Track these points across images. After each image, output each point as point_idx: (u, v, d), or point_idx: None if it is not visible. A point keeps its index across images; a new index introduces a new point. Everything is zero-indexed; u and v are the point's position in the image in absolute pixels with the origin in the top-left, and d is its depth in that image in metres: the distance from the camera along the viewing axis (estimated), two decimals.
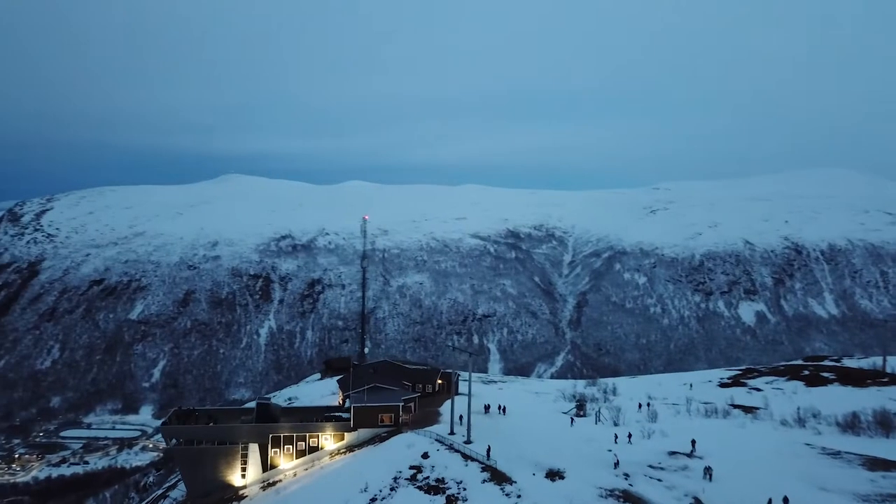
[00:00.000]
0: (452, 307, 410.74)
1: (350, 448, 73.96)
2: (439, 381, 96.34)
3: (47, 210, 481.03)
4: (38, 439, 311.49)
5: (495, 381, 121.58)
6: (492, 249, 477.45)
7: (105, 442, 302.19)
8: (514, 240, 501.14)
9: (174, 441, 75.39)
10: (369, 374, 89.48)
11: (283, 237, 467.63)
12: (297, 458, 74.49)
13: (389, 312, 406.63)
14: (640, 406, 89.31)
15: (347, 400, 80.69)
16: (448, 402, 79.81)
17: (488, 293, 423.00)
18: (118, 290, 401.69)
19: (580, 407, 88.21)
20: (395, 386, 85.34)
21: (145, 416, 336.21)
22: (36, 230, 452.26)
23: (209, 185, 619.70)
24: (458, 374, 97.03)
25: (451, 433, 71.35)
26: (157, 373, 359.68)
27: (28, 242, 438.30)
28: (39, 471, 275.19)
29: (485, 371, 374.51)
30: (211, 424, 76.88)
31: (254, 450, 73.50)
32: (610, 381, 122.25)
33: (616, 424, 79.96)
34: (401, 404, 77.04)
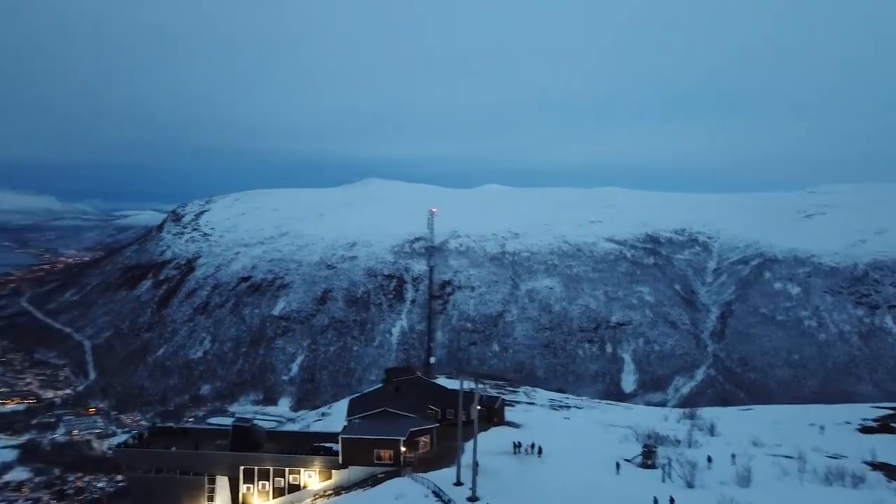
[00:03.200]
0: (584, 314, 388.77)
1: (337, 490, 61.50)
2: (479, 408, 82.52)
3: (205, 211, 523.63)
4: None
5: (568, 407, 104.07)
6: (628, 254, 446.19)
7: None
8: (653, 244, 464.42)
9: (137, 469, 64.87)
10: (389, 394, 76.13)
11: (417, 239, 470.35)
12: (274, 497, 62.75)
13: (518, 317, 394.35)
14: (710, 459, 68.29)
15: None
16: (482, 436, 66.46)
17: (623, 300, 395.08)
18: (263, 286, 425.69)
19: (647, 454, 69.22)
20: (416, 411, 71.01)
21: (283, 408, 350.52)
22: (194, 230, 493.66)
23: (350, 189, 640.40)
24: (502, 399, 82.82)
25: (458, 483, 57.24)
26: (295, 367, 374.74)
27: (187, 241, 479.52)
28: None
29: (618, 383, 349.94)
30: (173, 449, 66.25)
31: (223, 484, 62.18)
32: (711, 414, 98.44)
33: (690, 485, 59.98)
34: (402, 438, 63.42)
